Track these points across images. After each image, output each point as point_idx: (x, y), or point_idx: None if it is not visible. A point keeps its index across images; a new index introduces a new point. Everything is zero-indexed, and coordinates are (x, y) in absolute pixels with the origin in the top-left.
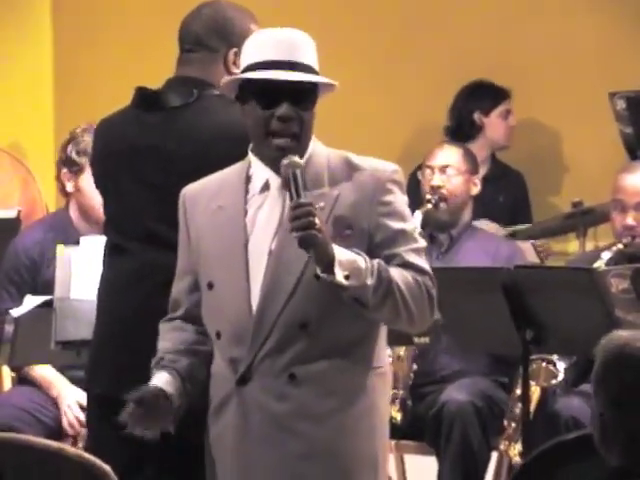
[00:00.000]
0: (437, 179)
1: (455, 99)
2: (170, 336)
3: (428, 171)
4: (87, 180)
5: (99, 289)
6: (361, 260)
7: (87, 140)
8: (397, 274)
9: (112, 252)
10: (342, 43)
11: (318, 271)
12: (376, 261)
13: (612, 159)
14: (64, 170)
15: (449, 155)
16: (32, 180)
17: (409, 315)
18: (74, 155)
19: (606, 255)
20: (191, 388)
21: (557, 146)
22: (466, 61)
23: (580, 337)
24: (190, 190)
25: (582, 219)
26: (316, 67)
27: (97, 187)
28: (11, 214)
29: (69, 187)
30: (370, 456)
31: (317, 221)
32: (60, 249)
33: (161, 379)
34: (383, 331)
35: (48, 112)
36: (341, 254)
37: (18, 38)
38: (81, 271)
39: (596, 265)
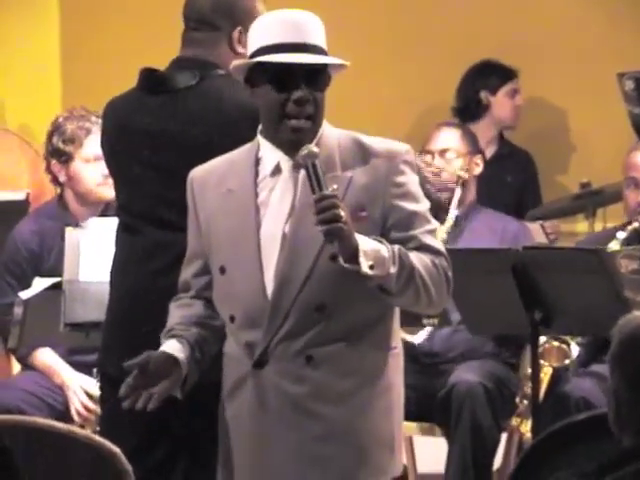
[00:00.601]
0: (437, 163)
1: (462, 79)
2: (179, 312)
3: (428, 156)
4: (78, 166)
5: (111, 269)
6: (384, 249)
7: (71, 127)
8: (416, 259)
9: (124, 232)
10: (349, 25)
11: (341, 261)
12: (397, 247)
13: (620, 139)
14: (53, 161)
15: (448, 138)
16: (40, 162)
17: (429, 298)
18: (61, 145)
19: (621, 235)
20: (201, 357)
21: (565, 126)
22: (474, 41)
23: (589, 318)
24: (198, 173)
25: (591, 200)
26: (325, 47)
27: (108, 168)
28: (20, 196)
29: (61, 177)
30: (387, 435)
31: (342, 213)
32: (69, 231)
33: (169, 346)
34: (397, 312)
35: (56, 94)
36: (364, 243)
37: (25, 22)
38: (89, 253)
39: (611, 245)
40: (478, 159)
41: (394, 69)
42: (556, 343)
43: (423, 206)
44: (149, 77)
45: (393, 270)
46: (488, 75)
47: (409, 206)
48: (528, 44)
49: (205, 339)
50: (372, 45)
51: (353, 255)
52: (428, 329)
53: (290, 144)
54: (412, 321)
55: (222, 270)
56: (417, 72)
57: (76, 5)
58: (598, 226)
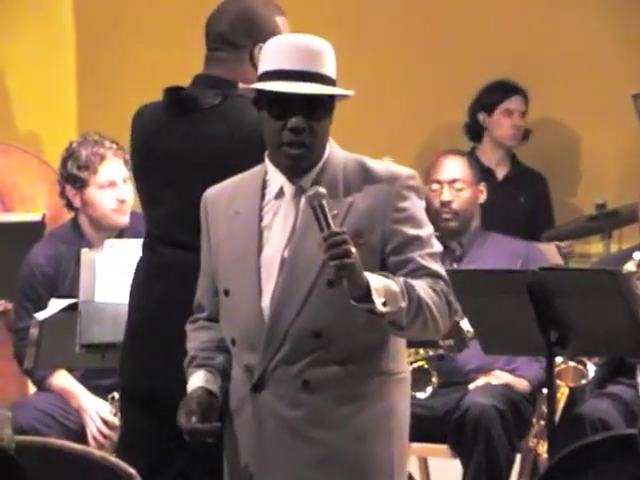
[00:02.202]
0: (447, 194)
1: (471, 100)
2: (198, 335)
3: (436, 185)
4: (93, 192)
5: (130, 289)
6: (394, 284)
7: (85, 153)
8: (421, 290)
9: (144, 249)
10: (364, 43)
11: (352, 301)
12: (402, 280)
13: (634, 160)
14: (68, 187)
15: (456, 168)
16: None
17: (435, 326)
18: (75, 170)
19: (637, 255)
20: (227, 385)
21: (578, 147)
22: (487, 60)
23: (605, 339)
24: (211, 194)
25: (606, 221)
26: (333, 75)
27: (134, 178)
28: (36, 217)
29: (76, 203)
30: (386, 460)
31: (352, 249)
32: (84, 252)
33: (201, 378)
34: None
35: (71, 116)
36: (374, 280)
37: (41, 42)
38: (105, 274)
39: (627, 266)
40: (482, 187)
41: (406, 90)
42: (572, 363)
43: (426, 231)
44: (173, 97)
45: (404, 304)
46: (487, 95)
47: (410, 231)
48: (541, 64)
49: (229, 363)
50: (384, 66)
51: (364, 293)
52: (433, 387)
53: (288, 170)
54: (429, 343)
55: (226, 293)
56: (429, 93)
57: (92, 28)
58: (614, 247)
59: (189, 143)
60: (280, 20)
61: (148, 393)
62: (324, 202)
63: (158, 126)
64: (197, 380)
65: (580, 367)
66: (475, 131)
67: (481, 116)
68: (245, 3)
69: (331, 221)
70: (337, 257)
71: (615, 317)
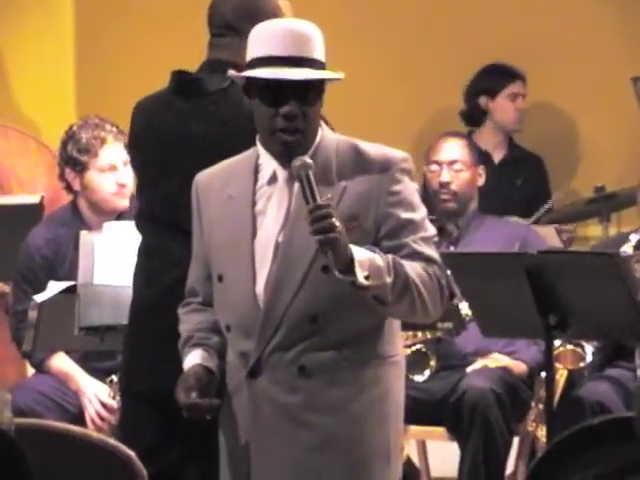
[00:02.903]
0: (445, 175)
1: (467, 84)
2: (191, 317)
3: (435, 166)
4: (93, 176)
5: (133, 276)
6: (379, 258)
7: (85, 136)
8: (410, 268)
9: (144, 237)
10: (359, 28)
11: (336, 272)
12: (390, 257)
13: (632, 143)
14: (67, 170)
15: (455, 149)
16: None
17: (424, 308)
18: (75, 154)
19: (634, 237)
20: (223, 365)
21: (576, 130)
22: (483, 45)
23: (603, 322)
24: (202, 178)
25: (605, 204)
26: (322, 59)
27: (134, 170)
28: (34, 200)
29: (76, 186)
30: (383, 443)
31: (337, 223)
32: (83, 235)
33: (198, 356)
34: (395, 320)
35: (70, 98)
36: (359, 254)
37: (40, 25)
38: (104, 256)
39: (624, 248)
40: (481, 170)
41: (402, 75)
42: (571, 346)
43: (419, 214)
44: (180, 79)
45: (388, 280)
46: (488, 79)
47: (403, 214)
48: (538, 47)
49: (224, 346)
50: (380, 49)
51: (348, 266)
52: (431, 370)
53: (281, 156)
54: (427, 326)
55: (220, 278)
56: (425, 77)
57: (91, 10)
58: (612, 230)
59: (195, 125)
60: (283, 3)
61: (149, 378)
62: (310, 173)
63: (161, 108)
64: (194, 358)
65: (578, 350)
66: (474, 115)
67: (483, 100)
68: None
69: (317, 193)
70: (321, 231)
71: (614, 300)
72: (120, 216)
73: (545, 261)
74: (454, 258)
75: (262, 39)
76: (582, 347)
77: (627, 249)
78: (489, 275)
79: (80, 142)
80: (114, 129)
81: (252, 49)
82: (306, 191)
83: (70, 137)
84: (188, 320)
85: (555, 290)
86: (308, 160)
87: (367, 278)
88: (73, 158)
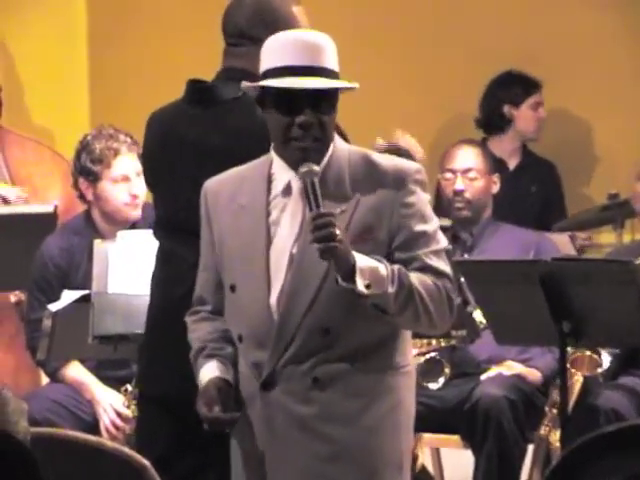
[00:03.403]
0: (460, 183)
1: (485, 91)
2: (201, 326)
3: (449, 174)
4: (106, 186)
5: (151, 284)
6: (382, 267)
7: (99, 147)
8: (417, 279)
9: (161, 246)
10: (374, 36)
11: (339, 279)
12: (396, 267)
13: None
14: (81, 179)
15: (470, 157)
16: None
17: (429, 320)
18: (89, 164)
19: None
20: (238, 376)
21: (590, 137)
22: (498, 52)
23: (618, 329)
24: (211, 185)
25: (619, 211)
26: (336, 68)
27: (146, 181)
28: (48, 209)
29: (89, 196)
30: (395, 454)
31: (337, 231)
32: (97, 244)
33: (215, 368)
34: (407, 331)
35: (83, 107)
36: (362, 262)
37: (53, 35)
38: (118, 265)
39: None
40: (495, 178)
41: (418, 81)
42: (587, 352)
43: (432, 226)
44: (195, 88)
45: (391, 289)
46: (511, 87)
47: (417, 226)
48: (552, 55)
49: (237, 356)
50: (395, 57)
51: (349, 273)
52: (445, 378)
53: (298, 163)
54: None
55: (232, 288)
56: (440, 83)
57: (103, 21)
58: (626, 237)
59: (210, 134)
60: (297, 10)
61: (165, 385)
62: (316, 180)
63: (176, 118)
64: (212, 370)
65: (595, 356)
66: (493, 123)
67: (506, 109)
68: None
69: (320, 201)
70: (321, 239)
71: (628, 307)
72: (133, 225)
73: (559, 269)
74: (468, 265)
75: (275, 50)
76: (599, 354)
77: None
78: (503, 282)
79: (94, 152)
80: (128, 139)
81: (265, 60)
82: (310, 198)
83: (84, 147)
84: (198, 329)
85: (569, 297)
86: (314, 167)
87: (368, 287)
88: (86, 168)
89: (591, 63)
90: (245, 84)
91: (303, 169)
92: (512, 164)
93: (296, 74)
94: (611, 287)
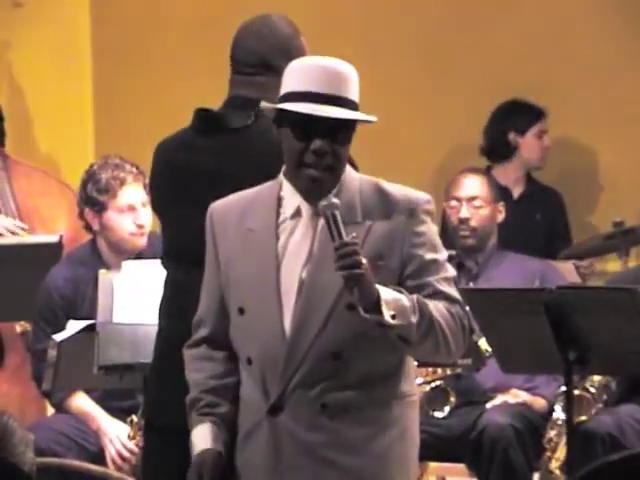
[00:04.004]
0: (465, 211)
1: (490, 119)
2: (200, 366)
3: (455, 202)
4: (112, 216)
5: (159, 312)
6: (404, 298)
7: (105, 177)
8: (434, 308)
9: (169, 273)
10: (379, 64)
11: (362, 312)
12: (415, 297)
13: None
14: (87, 209)
15: (475, 186)
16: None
17: (447, 348)
18: (94, 194)
19: None
20: (230, 435)
21: (594, 165)
22: (502, 80)
23: (624, 357)
24: (218, 207)
25: (624, 239)
26: (356, 99)
27: (154, 210)
28: (53, 239)
29: (95, 226)
30: None
31: (363, 260)
32: (102, 274)
33: (208, 434)
34: (411, 360)
35: (89, 136)
36: (385, 293)
37: (59, 66)
38: (123, 295)
39: None
40: (501, 206)
41: (422, 108)
42: (577, 391)
43: (441, 255)
44: (203, 117)
45: (414, 320)
46: (516, 115)
47: (427, 255)
48: (557, 82)
49: (234, 411)
50: (399, 85)
51: (374, 304)
52: (450, 406)
53: (307, 193)
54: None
55: (241, 311)
56: (445, 112)
57: (109, 52)
58: (631, 265)
59: (218, 162)
60: (304, 40)
61: (173, 414)
62: (337, 212)
63: (183, 146)
64: (204, 437)
65: (587, 395)
66: (497, 151)
67: (512, 136)
68: (275, 24)
69: (343, 231)
70: (347, 267)
71: (634, 335)
72: (139, 254)
73: (564, 297)
74: (472, 294)
75: (299, 74)
76: (591, 393)
77: None
78: (507, 311)
79: (99, 182)
80: (134, 169)
81: (288, 83)
82: (332, 229)
83: (90, 177)
84: (197, 369)
85: (574, 326)
86: (334, 200)
87: (393, 317)
88: (92, 198)
89: (595, 91)
90: (264, 104)
91: (323, 203)
92: (516, 192)
93: (318, 101)
94: (617, 315)
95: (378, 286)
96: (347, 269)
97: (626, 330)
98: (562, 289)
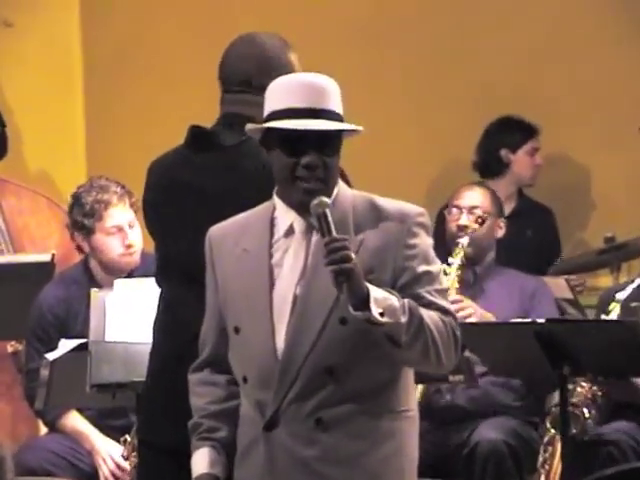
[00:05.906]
0: (464, 219)
1: (483, 135)
2: (202, 391)
3: (455, 210)
4: (100, 239)
5: (153, 329)
6: (394, 299)
7: (90, 200)
8: (426, 314)
9: (162, 290)
10: (372, 79)
11: (350, 308)
12: (406, 300)
13: None
14: (76, 233)
15: (477, 196)
16: None
17: (437, 355)
18: (81, 218)
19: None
20: (230, 458)
21: (586, 182)
22: (494, 96)
23: (617, 364)
24: (215, 231)
25: (615, 254)
26: (340, 111)
27: (147, 227)
28: (45, 258)
29: (85, 248)
30: None
31: (352, 255)
32: (94, 292)
33: (206, 458)
34: (410, 375)
35: (80, 154)
36: (375, 291)
37: (50, 83)
38: (115, 314)
39: (618, 296)
40: (502, 222)
41: (415, 124)
42: (570, 408)
43: (434, 267)
44: (196, 134)
45: (403, 320)
46: (509, 133)
47: (420, 267)
48: (549, 99)
49: (233, 436)
50: (393, 101)
51: (363, 301)
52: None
53: (302, 206)
54: (439, 379)
55: (236, 330)
56: (438, 127)
57: (100, 68)
58: (622, 280)
59: (211, 179)
60: (294, 57)
61: (167, 432)
62: (327, 211)
63: (177, 163)
64: (203, 460)
65: (576, 412)
66: (490, 167)
67: (504, 153)
68: (263, 43)
69: (333, 228)
70: (336, 262)
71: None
72: (131, 273)
73: (555, 329)
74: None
75: (280, 92)
76: (581, 410)
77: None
78: (499, 338)
79: (84, 207)
80: (119, 189)
81: (270, 103)
82: (322, 226)
83: (75, 201)
84: (199, 394)
85: (566, 348)
86: (325, 199)
87: (382, 315)
88: (79, 222)
89: (588, 109)
90: (249, 126)
91: (315, 201)
92: (508, 209)
93: (301, 116)
94: (613, 346)
95: (368, 284)
96: (336, 264)
97: (621, 348)
98: (553, 322)
